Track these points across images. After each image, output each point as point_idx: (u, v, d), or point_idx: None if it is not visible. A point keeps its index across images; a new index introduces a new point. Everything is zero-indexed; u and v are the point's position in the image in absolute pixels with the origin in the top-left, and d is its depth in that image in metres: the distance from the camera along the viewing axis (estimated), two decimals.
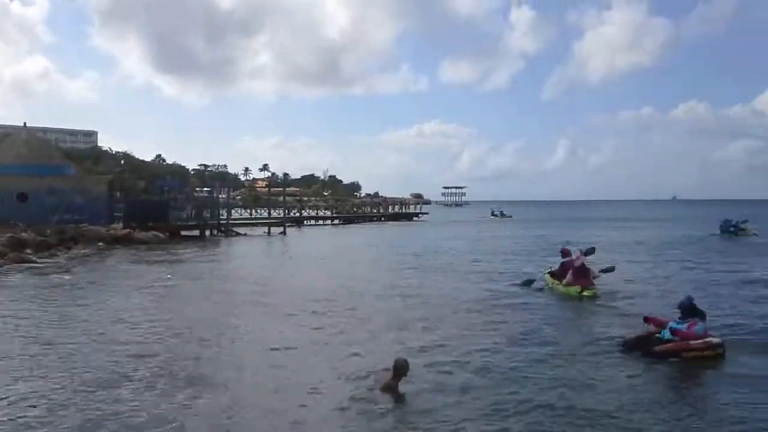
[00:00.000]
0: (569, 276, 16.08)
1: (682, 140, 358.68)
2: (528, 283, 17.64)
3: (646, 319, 10.40)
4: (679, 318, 9.78)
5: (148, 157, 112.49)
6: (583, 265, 16.13)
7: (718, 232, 38.44)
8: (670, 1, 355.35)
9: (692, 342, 9.43)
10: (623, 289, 16.61)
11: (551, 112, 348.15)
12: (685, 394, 8.31)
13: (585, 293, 15.28)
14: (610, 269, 16.76)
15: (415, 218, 73.42)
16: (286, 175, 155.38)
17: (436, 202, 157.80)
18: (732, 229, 37.92)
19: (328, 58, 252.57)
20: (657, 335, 9.85)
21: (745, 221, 39.70)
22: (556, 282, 16.61)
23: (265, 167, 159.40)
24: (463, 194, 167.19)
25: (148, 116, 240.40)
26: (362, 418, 7.06)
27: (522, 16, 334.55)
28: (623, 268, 20.50)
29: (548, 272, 17.62)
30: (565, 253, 17.30)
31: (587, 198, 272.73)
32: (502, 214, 77.73)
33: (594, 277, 16.03)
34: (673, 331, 9.61)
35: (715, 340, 9.64)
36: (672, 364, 9.28)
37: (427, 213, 79.59)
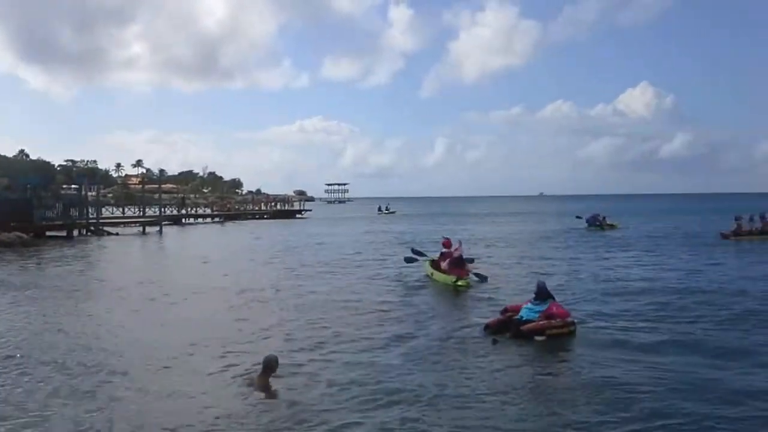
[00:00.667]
0: (446, 264, 16.98)
1: (549, 138, 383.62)
2: (411, 260, 19.30)
3: (505, 311, 11.06)
4: (534, 300, 10.68)
5: (10, 152, 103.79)
6: (461, 256, 16.99)
7: (586, 225, 41.41)
8: (539, 4, 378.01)
9: (553, 321, 10.31)
10: (496, 279, 17.45)
11: (430, 110, 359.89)
12: (544, 370, 8.87)
13: (459, 283, 16.00)
14: (483, 278, 17.15)
15: (298, 215, 72.82)
16: (162, 171, 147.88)
17: (320, 199, 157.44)
18: (598, 223, 41.04)
19: (206, 49, 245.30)
20: (516, 317, 10.58)
21: (604, 216, 42.57)
22: (435, 271, 17.47)
23: (139, 163, 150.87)
24: (346, 191, 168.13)
25: (10, 109, 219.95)
26: (232, 416, 6.91)
27: (400, 15, 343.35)
28: (495, 260, 22.08)
29: (429, 261, 18.50)
30: (446, 244, 18.05)
31: (464, 194, 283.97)
32: (388, 210, 79.60)
33: (469, 272, 16.91)
34: (534, 312, 10.44)
35: (569, 319, 10.62)
36: (530, 344, 9.99)
37: (310, 210, 79.21)
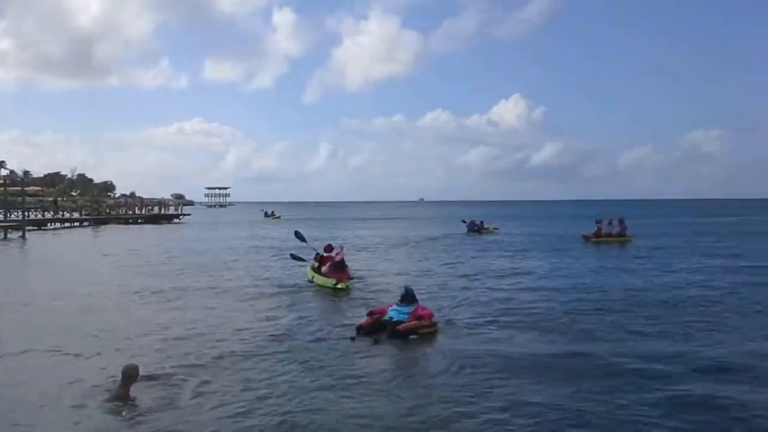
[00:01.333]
0: (326, 268, 17.05)
1: (429, 146, 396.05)
2: (296, 257, 19.33)
3: (371, 313, 11.29)
4: (400, 303, 11.15)
5: None
6: (342, 260, 17.18)
7: (466, 230, 43.07)
8: (421, 16, 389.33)
9: (424, 321, 10.91)
10: (376, 282, 17.71)
11: (313, 115, 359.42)
12: (408, 367, 9.17)
13: (339, 286, 16.09)
14: (360, 279, 17.79)
15: (175, 220, 69.95)
16: (26, 173, 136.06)
17: (200, 204, 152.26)
18: (476, 228, 42.89)
19: (78, 46, 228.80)
20: (384, 318, 10.90)
21: (482, 221, 45.32)
22: (316, 274, 17.49)
23: (0, 164, 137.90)
24: (228, 195, 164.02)
25: None
26: (90, 428, 6.50)
27: (284, 18, 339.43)
28: (378, 264, 22.43)
29: (311, 265, 18.45)
30: (327, 249, 18.13)
31: (348, 199, 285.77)
32: (273, 215, 78.50)
33: (351, 278, 17.14)
34: (403, 313, 10.88)
35: (434, 319, 11.31)
36: (407, 343, 10.32)
37: (189, 214, 76.44)
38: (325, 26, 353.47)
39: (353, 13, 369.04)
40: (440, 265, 22.91)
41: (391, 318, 10.85)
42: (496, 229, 44.16)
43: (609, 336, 10.91)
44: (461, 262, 23.81)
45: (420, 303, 11.43)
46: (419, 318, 10.90)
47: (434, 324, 11.15)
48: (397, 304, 11.22)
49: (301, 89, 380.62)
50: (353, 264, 19.13)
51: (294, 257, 19.79)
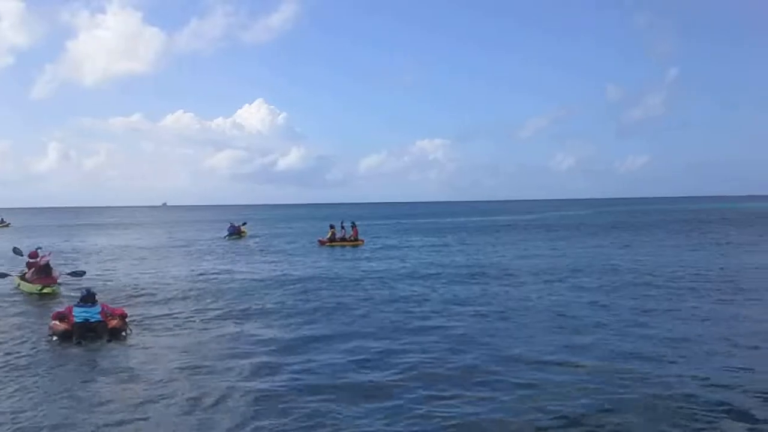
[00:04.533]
0: (30, 274, 17.13)
1: (172, 148, 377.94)
2: (2, 275, 17.94)
3: (61, 317, 11.27)
4: (83, 304, 11.35)
5: None
6: (47, 264, 17.16)
7: (227, 234, 42.84)
8: (165, 13, 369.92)
9: (117, 319, 11.35)
10: (97, 287, 17.17)
11: (42, 112, 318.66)
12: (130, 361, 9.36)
13: (45, 290, 16.29)
14: (80, 273, 17.94)
15: None
16: None
17: None
18: (236, 232, 43.09)
19: None
20: (78, 320, 10.99)
21: (244, 223, 46.10)
22: (22, 281, 17.33)
23: None
24: None
25: None
26: None
27: (10, 6, 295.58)
28: (101, 270, 21.76)
29: (20, 275, 17.97)
30: (32, 255, 17.85)
31: (83, 204, 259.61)
32: (3, 222, 67.76)
33: (60, 276, 17.25)
34: (94, 313, 11.19)
35: (125, 315, 11.80)
36: (119, 342, 10.77)
37: None
38: (59, 18, 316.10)
39: (89, 6, 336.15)
40: (183, 269, 22.88)
41: (87, 319, 10.99)
42: (246, 233, 44.99)
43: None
44: (206, 267, 24.00)
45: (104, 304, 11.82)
46: (110, 315, 11.29)
47: (125, 318, 11.60)
48: (80, 305, 11.27)
49: (28, 83, 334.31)
50: (65, 268, 18.86)
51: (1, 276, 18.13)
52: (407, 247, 34.04)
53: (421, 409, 7.25)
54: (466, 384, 8.16)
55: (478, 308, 13.94)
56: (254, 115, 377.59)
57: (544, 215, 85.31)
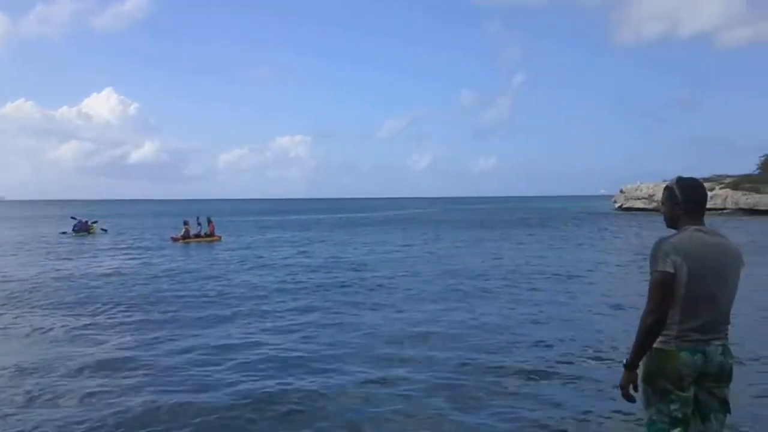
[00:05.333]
0: None
1: (10, 139, 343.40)
2: None
3: None
4: None
5: None
6: None
7: (72, 231, 40.17)
8: None
9: None
10: None
11: None
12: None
13: None
14: None
15: None
16: None
17: None
18: (83, 229, 40.54)
19: None
20: None
21: (95, 221, 43.24)
22: None
23: None
24: None
25: None
26: None
27: None
28: None
29: None
30: None
31: None
32: None
33: None
34: None
35: None
36: None
37: None
38: None
39: None
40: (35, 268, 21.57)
41: None
42: (103, 230, 42.82)
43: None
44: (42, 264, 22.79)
45: None
46: None
47: None
48: None
49: None
50: None
51: None
52: (267, 243, 34.09)
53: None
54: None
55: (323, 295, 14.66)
56: (103, 104, 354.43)
57: (399, 212, 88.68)
